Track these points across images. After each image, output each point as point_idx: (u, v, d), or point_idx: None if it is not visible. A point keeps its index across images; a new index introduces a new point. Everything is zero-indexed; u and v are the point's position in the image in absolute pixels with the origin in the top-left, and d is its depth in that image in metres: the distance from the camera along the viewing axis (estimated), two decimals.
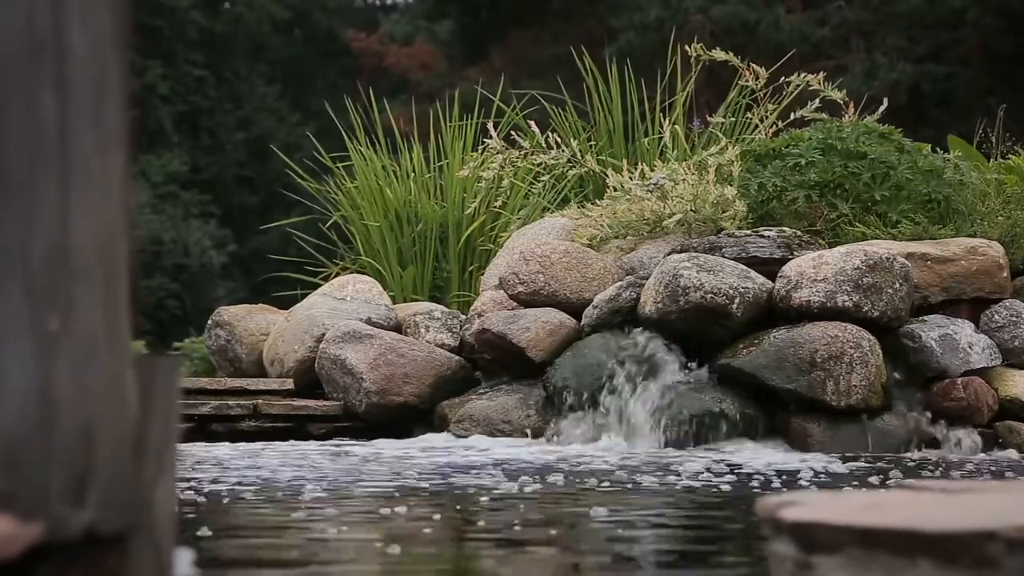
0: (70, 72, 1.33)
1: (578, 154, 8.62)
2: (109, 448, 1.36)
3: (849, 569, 1.51)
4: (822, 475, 4.86)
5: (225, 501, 4.00)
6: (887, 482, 4.65)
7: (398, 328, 7.33)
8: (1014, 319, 6.57)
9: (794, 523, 1.57)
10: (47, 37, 1.33)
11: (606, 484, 4.57)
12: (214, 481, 4.53)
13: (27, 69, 1.33)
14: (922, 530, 1.46)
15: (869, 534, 1.49)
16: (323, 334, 7.15)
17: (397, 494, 4.22)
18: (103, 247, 1.35)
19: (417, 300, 8.50)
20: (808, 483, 4.67)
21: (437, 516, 3.71)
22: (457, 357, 7.04)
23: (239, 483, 4.50)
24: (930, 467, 5.45)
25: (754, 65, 8.71)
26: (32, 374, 1.32)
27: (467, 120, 9.34)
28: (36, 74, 1.33)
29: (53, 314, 1.32)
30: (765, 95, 8.68)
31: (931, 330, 6.39)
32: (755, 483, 4.63)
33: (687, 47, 8.70)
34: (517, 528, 3.49)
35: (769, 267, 6.57)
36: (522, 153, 8.73)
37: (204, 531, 3.17)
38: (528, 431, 6.51)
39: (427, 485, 4.53)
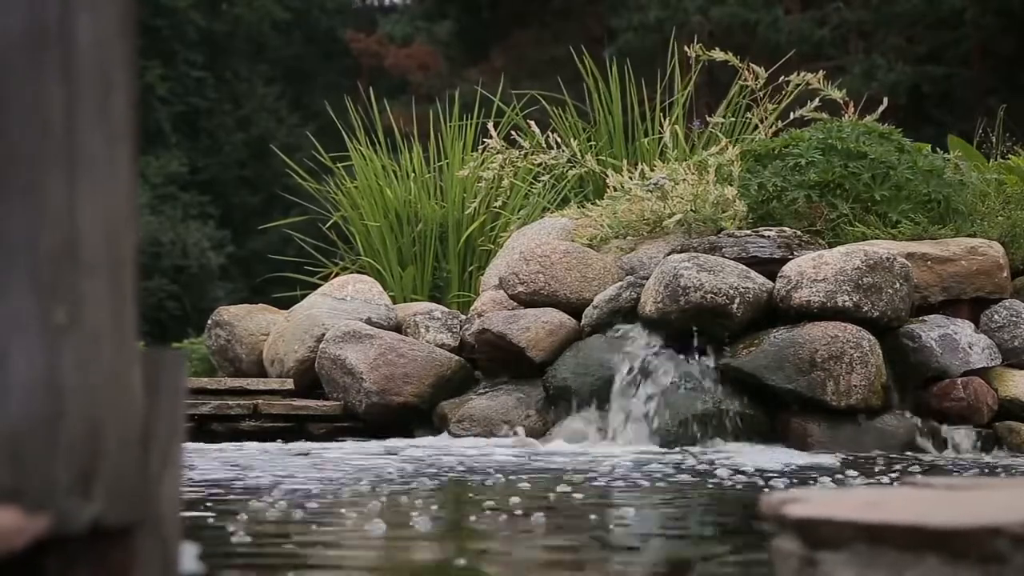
0: (77, 63, 1.33)
1: (578, 154, 8.62)
2: (115, 441, 1.36)
3: (854, 565, 1.51)
4: (822, 474, 4.86)
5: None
6: (888, 481, 4.64)
7: (398, 328, 7.33)
8: (1014, 319, 6.57)
9: (799, 519, 1.56)
10: (54, 27, 1.32)
11: (605, 483, 4.57)
12: None
13: (33, 59, 1.33)
14: (928, 526, 1.46)
15: (875, 530, 1.49)
16: (323, 334, 7.14)
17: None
18: (110, 239, 1.35)
19: (417, 300, 8.50)
20: (809, 482, 4.67)
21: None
22: (457, 357, 7.03)
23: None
24: (930, 467, 5.45)
25: (753, 65, 8.71)
26: (39, 367, 1.32)
27: (467, 120, 9.34)
28: (42, 64, 1.32)
29: (60, 307, 1.32)
30: (765, 95, 8.68)
31: (931, 330, 6.39)
32: (756, 482, 4.63)
33: (687, 47, 8.71)
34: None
35: (769, 267, 6.57)
36: (522, 153, 8.73)
37: None
38: (527, 431, 6.51)
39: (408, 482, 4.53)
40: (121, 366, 1.37)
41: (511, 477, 4.72)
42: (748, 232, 6.83)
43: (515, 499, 3.97)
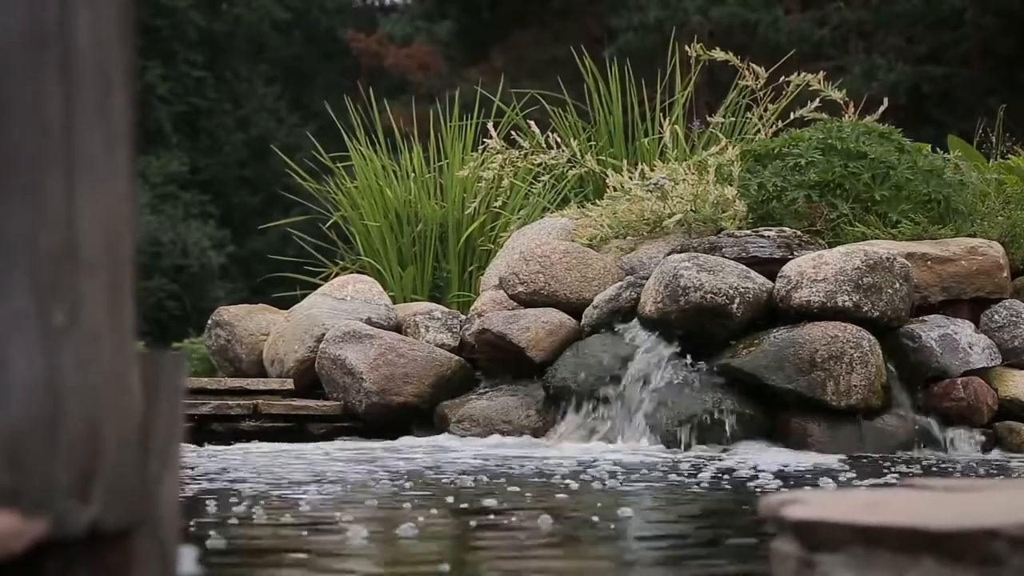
0: (76, 64, 1.33)
1: (578, 154, 8.62)
2: (114, 443, 1.36)
3: (852, 567, 1.51)
4: (822, 475, 4.86)
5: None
6: (888, 481, 4.64)
7: (398, 328, 7.33)
8: (1014, 319, 6.57)
9: (797, 521, 1.57)
10: (52, 28, 1.32)
11: (605, 484, 4.57)
12: None
13: (33, 59, 1.33)
14: (925, 528, 1.46)
15: (872, 532, 1.49)
16: (323, 334, 7.14)
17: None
18: (109, 241, 1.35)
19: (417, 300, 8.50)
20: (808, 483, 4.67)
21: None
22: (457, 357, 7.03)
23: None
24: (930, 467, 5.45)
25: (754, 65, 8.71)
26: (38, 369, 1.32)
27: (467, 120, 9.34)
28: (42, 64, 1.32)
29: (59, 309, 1.32)
30: (765, 95, 8.68)
31: (931, 330, 6.39)
32: (755, 483, 4.63)
33: (687, 47, 8.71)
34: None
35: (769, 267, 6.57)
36: (522, 153, 8.73)
37: None
38: (527, 431, 6.52)
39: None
40: (120, 366, 1.37)
41: (507, 478, 4.72)
42: (748, 232, 6.83)
43: (512, 501, 3.97)
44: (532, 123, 8.90)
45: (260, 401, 6.94)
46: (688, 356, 6.39)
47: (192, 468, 5.00)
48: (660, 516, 3.92)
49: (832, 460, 5.54)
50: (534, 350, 6.67)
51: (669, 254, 6.76)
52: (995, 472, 5.34)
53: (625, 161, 8.18)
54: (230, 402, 6.88)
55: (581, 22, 25.96)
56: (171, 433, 1.43)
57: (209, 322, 7.92)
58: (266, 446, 6.38)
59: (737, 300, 6.32)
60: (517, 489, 4.31)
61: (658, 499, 4.26)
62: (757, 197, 7.14)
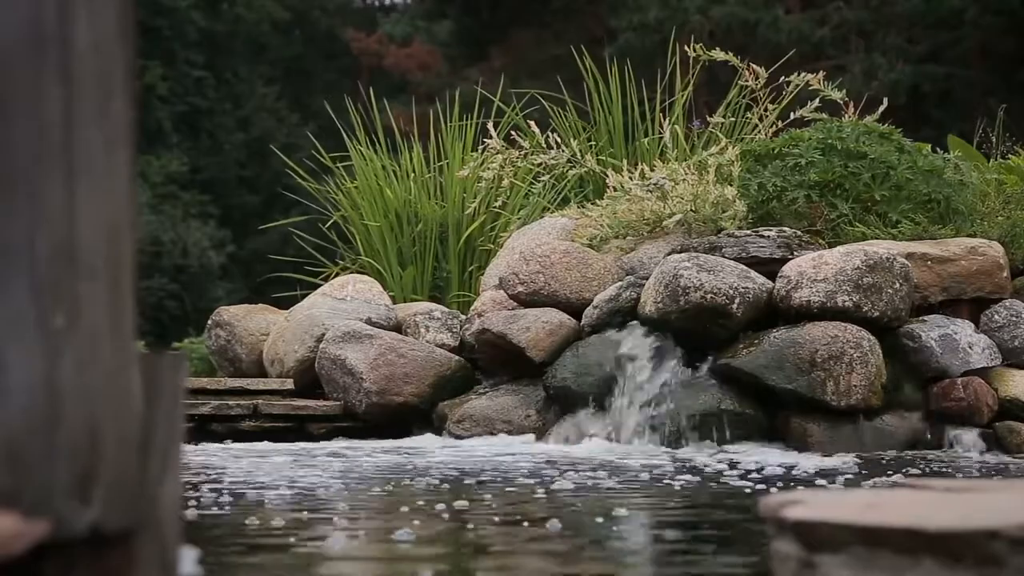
0: (75, 66, 1.33)
1: (578, 154, 8.62)
2: (114, 445, 1.36)
3: (852, 568, 1.51)
4: (821, 475, 4.86)
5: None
6: (888, 482, 4.64)
7: (398, 328, 7.33)
8: (1014, 319, 6.57)
9: (797, 522, 1.57)
10: (52, 30, 1.32)
11: (603, 485, 4.57)
12: None
13: (32, 62, 1.33)
14: (925, 529, 1.46)
15: (872, 533, 1.49)
16: (323, 334, 7.14)
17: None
18: (108, 243, 1.35)
19: (417, 300, 8.50)
20: (808, 483, 4.67)
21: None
22: (457, 357, 7.04)
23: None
24: (930, 467, 5.45)
25: (753, 65, 8.71)
26: (37, 371, 1.32)
27: (467, 120, 9.34)
28: (41, 67, 1.32)
29: (58, 311, 1.32)
30: (765, 95, 8.68)
31: (931, 330, 6.39)
32: (755, 483, 4.63)
33: (687, 47, 8.70)
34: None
35: (769, 267, 6.57)
36: (522, 153, 8.73)
37: None
38: (527, 431, 6.52)
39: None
40: (120, 368, 1.37)
41: (506, 479, 4.72)
42: (748, 232, 6.83)
43: (510, 502, 3.97)
44: (532, 123, 8.89)
45: (260, 401, 6.94)
46: (688, 356, 6.39)
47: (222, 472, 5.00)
48: (659, 516, 3.92)
49: (832, 460, 5.54)
50: (534, 350, 6.67)
51: (669, 254, 6.75)
52: (995, 472, 5.34)
53: (625, 161, 8.18)
54: (230, 402, 6.88)
55: (581, 22, 25.96)
56: (171, 434, 1.43)
57: (209, 322, 7.92)
58: (260, 445, 6.38)
59: (737, 300, 6.32)
60: (515, 491, 4.31)
61: (658, 499, 4.26)
62: (757, 197, 7.14)
